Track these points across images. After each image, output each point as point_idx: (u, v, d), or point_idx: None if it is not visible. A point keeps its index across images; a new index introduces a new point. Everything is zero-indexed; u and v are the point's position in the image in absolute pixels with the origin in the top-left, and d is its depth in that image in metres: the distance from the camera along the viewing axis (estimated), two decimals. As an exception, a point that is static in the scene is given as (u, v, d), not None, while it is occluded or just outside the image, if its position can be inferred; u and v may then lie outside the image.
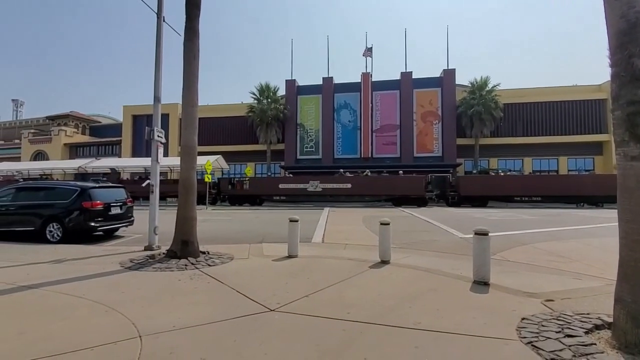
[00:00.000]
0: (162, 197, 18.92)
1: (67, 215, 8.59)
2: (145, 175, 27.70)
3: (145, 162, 30.77)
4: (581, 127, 29.99)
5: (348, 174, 24.95)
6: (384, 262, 5.96)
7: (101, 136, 44.21)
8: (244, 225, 12.36)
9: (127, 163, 31.40)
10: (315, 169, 30.82)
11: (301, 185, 23.74)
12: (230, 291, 4.39)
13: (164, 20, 7.71)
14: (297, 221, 6.68)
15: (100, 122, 50.69)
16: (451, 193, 23.02)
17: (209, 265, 5.75)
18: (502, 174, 25.07)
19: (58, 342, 2.95)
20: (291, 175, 28.70)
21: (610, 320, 3.01)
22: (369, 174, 25.19)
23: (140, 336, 3.05)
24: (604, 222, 11.93)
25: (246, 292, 4.30)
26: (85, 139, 44.16)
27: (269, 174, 32.81)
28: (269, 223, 12.80)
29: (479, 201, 22.07)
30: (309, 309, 3.76)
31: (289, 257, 6.42)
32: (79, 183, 9.72)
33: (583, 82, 31.47)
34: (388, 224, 6.19)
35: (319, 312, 3.66)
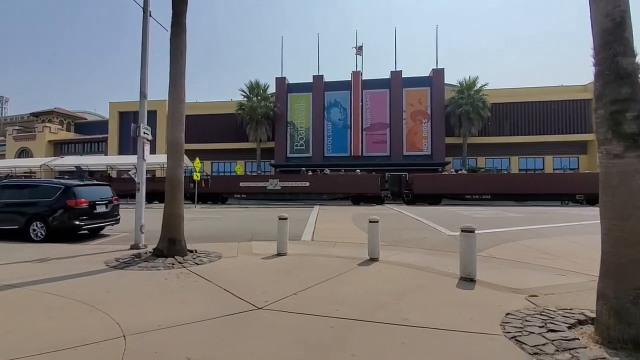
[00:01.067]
0: (151, 197, 18.86)
1: (50, 214, 8.38)
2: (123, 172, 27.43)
3: (121, 159, 30.57)
4: (567, 126, 30.68)
5: (310, 173, 25.65)
6: (373, 260, 5.98)
7: (87, 133, 43.24)
8: (234, 224, 12.26)
9: (96, 161, 30.97)
10: (305, 167, 30.76)
11: (261, 184, 24.24)
12: (218, 290, 4.34)
13: (150, 16, 7.55)
14: (286, 219, 6.65)
15: (85, 119, 49.57)
16: (405, 191, 23.71)
17: (197, 263, 5.68)
18: (484, 172, 25.65)
19: (42, 342, 2.87)
20: (280, 172, 28.67)
21: (593, 315, 3.07)
22: (328, 172, 25.89)
23: (124, 336, 2.98)
24: (588, 219, 12.23)
25: (234, 290, 4.26)
26: (71, 136, 43.13)
27: (259, 172, 32.61)
28: (259, 221, 12.73)
29: (432, 199, 22.71)
30: (298, 306, 3.74)
31: (279, 255, 6.39)
32: (63, 181, 9.47)
33: (573, 82, 32.12)
34: (377, 221, 6.21)
35: (307, 309, 3.64)
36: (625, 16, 2.81)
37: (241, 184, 24.06)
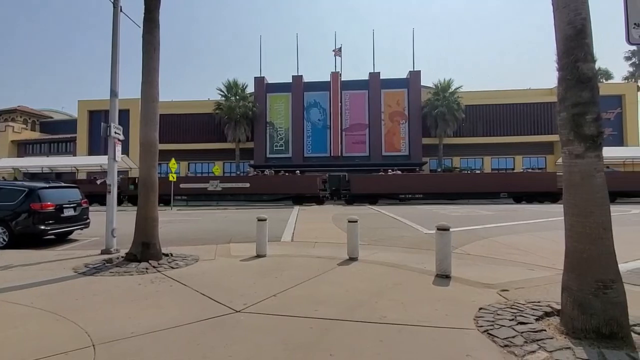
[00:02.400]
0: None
1: (13, 218, 7.91)
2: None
3: (71, 161, 29.55)
4: (534, 128, 32.14)
5: (256, 174, 26.35)
6: (353, 259, 6.03)
7: (54, 133, 41.09)
8: (212, 225, 12.02)
9: (45, 162, 29.76)
10: (285, 167, 30.62)
11: (201, 185, 24.31)
12: (194, 294, 4.24)
13: (121, 11, 7.29)
14: (265, 220, 6.59)
15: (52, 118, 47.14)
16: (343, 191, 24.34)
17: (172, 267, 5.52)
18: (459, 172, 26.58)
19: (3, 354, 2.69)
20: (259, 173, 28.44)
21: (559, 307, 3.22)
22: (268, 173, 26.51)
23: (93, 345, 2.85)
24: (557, 215, 12.87)
25: (211, 294, 4.17)
26: (35, 135, 40.89)
27: (238, 172, 32.15)
28: (239, 222, 12.55)
29: (370, 199, 23.41)
30: (277, 308, 3.71)
31: (258, 256, 6.32)
32: (26, 183, 8.97)
33: (540, 86, 33.69)
34: (356, 221, 6.27)
35: (287, 310, 3.63)
36: (586, 24, 2.98)
37: (182, 186, 23.43)
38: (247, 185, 23.81)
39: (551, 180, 22.68)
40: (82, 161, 31.94)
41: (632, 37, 2.93)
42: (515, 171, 25.83)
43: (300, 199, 23.13)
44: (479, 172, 29.40)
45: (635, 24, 2.89)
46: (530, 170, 26.39)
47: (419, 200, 23.34)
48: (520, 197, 22.94)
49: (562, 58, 3.05)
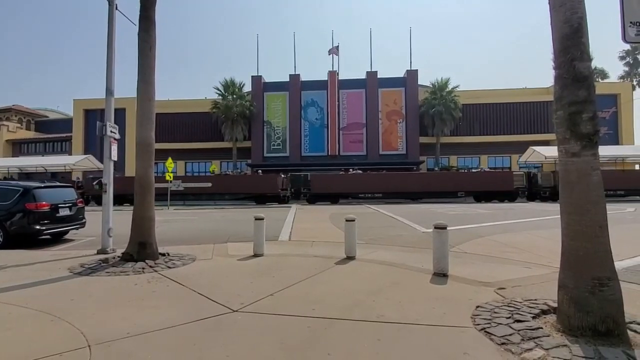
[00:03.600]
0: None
1: (8, 218, 7.84)
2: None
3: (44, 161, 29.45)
4: (531, 126, 32.31)
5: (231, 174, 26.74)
6: (350, 258, 6.03)
7: (49, 132, 40.79)
8: (209, 225, 11.98)
9: (10, 163, 29.97)
10: (282, 166, 30.60)
11: (163, 185, 24.33)
12: (191, 293, 4.22)
13: (116, 9, 7.23)
14: (263, 219, 6.57)
15: (47, 117, 46.76)
16: (304, 191, 24.59)
17: (169, 267, 5.49)
18: (455, 170, 26.74)
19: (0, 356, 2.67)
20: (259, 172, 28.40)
21: (556, 305, 3.23)
22: (231, 173, 27.11)
23: (89, 346, 2.83)
24: (553, 214, 12.94)
25: (208, 293, 4.15)
26: (31, 134, 40.60)
27: (235, 171, 32.07)
28: (236, 222, 12.51)
29: (331, 198, 23.65)
30: (274, 307, 3.70)
31: (255, 256, 6.31)
32: (21, 183, 8.90)
33: (542, 85, 33.81)
34: (353, 220, 6.27)
35: (284, 310, 3.62)
36: (583, 23, 2.99)
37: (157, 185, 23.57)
38: (209, 185, 23.88)
39: (508, 180, 23.07)
40: (47, 161, 32.07)
41: (628, 36, 2.94)
42: (473, 171, 26.02)
43: (262, 199, 23.34)
44: (467, 170, 29.54)
45: (631, 22, 2.90)
46: (487, 170, 26.50)
47: (378, 200, 23.56)
48: (479, 196, 23.24)
49: (558, 57, 3.05)
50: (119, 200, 20.74)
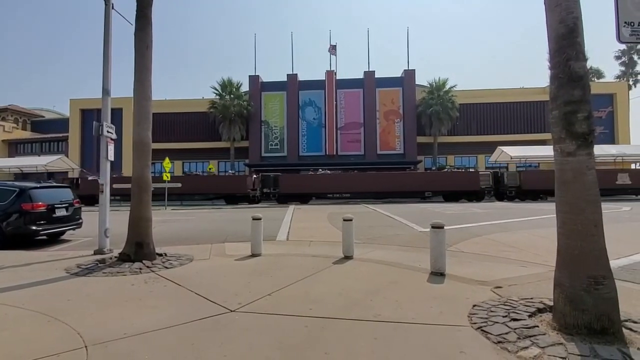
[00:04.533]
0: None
1: (4, 219, 7.79)
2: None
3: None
4: (528, 126, 32.45)
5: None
6: (348, 258, 6.03)
7: (45, 132, 40.57)
8: (207, 225, 11.96)
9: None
10: (280, 166, 30.58)
11: (119, 186, 24.39)
12: (189, 293, 4.21)
13: (113, 8, 7.19)
14: (260, 219, 6.57)
15: (43, 117, 46.52)
16: (273, 191, 24.77)
17: (166, 267, 5.48)
18: (452, 170, 26.88)
19: (-11, 359, 2.65)
20: (256, 172, 28.36)
21: (552, 303, 3.25)
22: (202, 173, 27.39)
23: (86, 346, 2.82)
24: (549, 213, 13.01)
25: (206, 293, 4.15)
26: (27, 134, 40.38)
27: (233, 171, 32.02)
28: (234, 222, 12.50)
29: (300, 198, 23.82)
30: (272, 307, 3.70)
31: (253, 256, 6.30)
32: (17, 183, 8.84)
33: (539, 85, 33.95)
34: (351, 220, 6.27)
35: (282, 309, 3.62)
36: (578, 23, 3.00)
37: (115, 186, 23.28)
38: (179, 185, 23.79)
39: (474, 180, 23.28)
40: (18, 162, 32.12)
41: (623, 36, 2.96)
42: (440, 171, 26.20)
43: (232, 199, 23.46)
44: (452, 169, 29.57)
45: (625, 22, 2.92)
46: (454, 170, 26.69)
47: (346, 200, 23.73)
48: (447, 196, 23.47)
49: (554, 56, 3.07)
50: (90, 201, 20.65)
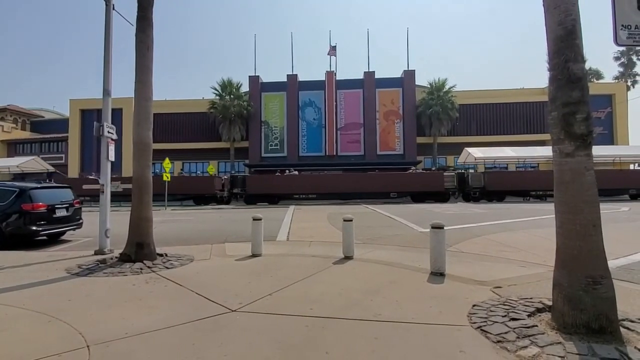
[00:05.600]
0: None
1: (4, 219, 7.80)
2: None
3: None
4: (527, 126, 32.51)
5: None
6: (348, 258, 6.05)
7: (45, 132, 40.56)
8: (207, 225, 11.97)
9: None
10: (280, 166, 30.60)
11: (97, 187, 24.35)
12: (190, 293, 4.23)
13: (113, 9, 7.21)
14: (260, 219, 6.58)
15: (43, 117, 46.50)
16: (240, 192, 24.89)
17: (167, 267, 5.49)
18: (452, 170, 26.92)
19: (-9, 359, 2.67)
20: (256, 173, 28.41)
21: (551, 303, 3.28)
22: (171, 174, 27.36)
23: (88, 346, 2.84)
24: (548, 214, 13.03)
25: (206, 293, 4.17)
26: (26, 135, 40.36)
27: (232, 172, 32.04)
28: (234, 222, 12.51)
29: (268, 199, 23.97)
30: (272, 307, 3.72)
31: (253, 256, 6.32)
32: (17, 183, 8.85)
33: (538, 85, 34.00)
34: (351, 220, 6.29)
35: (282, 309, 3.63)
36: (576, 24, 3.03)
37: (84, 187, 23.11)
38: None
39: (438, 181, 23.42)
40: None
41: (620, 39, 2.99)
42: (404, 172, 26.25)
43: (200, 199, 23.57)
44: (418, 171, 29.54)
45: (622, 25, 2.95)
46: (418, 171, 26.69)
47: (312, 201, 23.88)
48: (413, 196, 23.64)
49: (553, 58, 3.09)
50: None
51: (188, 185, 24.23)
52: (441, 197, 23.08)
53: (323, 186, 24.03)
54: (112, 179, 23.47)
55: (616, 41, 3.02)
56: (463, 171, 25.41)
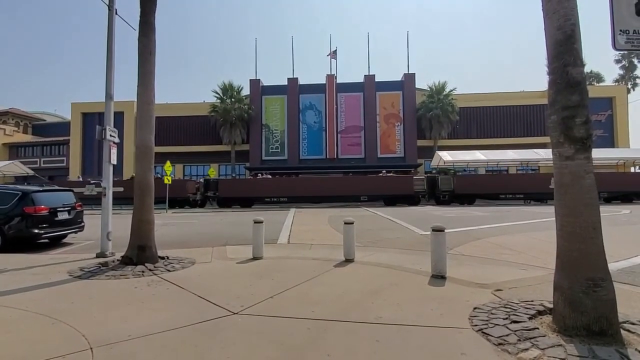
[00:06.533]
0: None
1: (6, 222, 7.83)
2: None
3: None
4: (528, 129, 32.53)
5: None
6: (349, 261, 6.06)
7: (46, 135, 40.69)
8: (208, 228, 11.98)
9: None
10: (280, 169, 30.64)
11: (79, 189, 24.36)
12: (191, 296, 4.25)
13: (116, 14, 7.28)
14: (261, 222, 6.61)
15: (44, 120, 46.64)
16: (213, 195, 24.95)
17: (169, 270, 5.51)
18: (453, 174, 26.90)
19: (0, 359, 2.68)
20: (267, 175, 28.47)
21: (552, 306, 3.28)
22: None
23: (91, 348, 2.85)
24: (550, 216, 13.02)
25: (208, 296, 4.18)
26: (28, 138, 40.46)
27: (234, 175, 32.08)
28: (235, 225, 12.52)
29: (239, 202, 24.05)
30: (274, 309, 3.73)
31: (254, 259, 6.33)
32: (19, 187, 8.90)
33: (539, 88, 34.07)
34: (352, 223, 6.31)
35: (283, 312, 3.65)
36: (575, 29, 3.06)
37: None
38: (122, 189, 23.82)
39: (408, 184, 23.51)
40: None
41: (618, 43, 3.02)
42: (375, 175, 26.27)
43: (172, 202, 23.58)
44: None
45: (620, 30, 2.98)
46: (388, 175, 26.70)
47: (283, 204, 24.01)
48: (387, 199, 23.68)
49: (552, 62, 3.12)
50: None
51: (162, 188, 24.51)
52: (411, 200, 23.18)
53: (293, 189, 24.20)
54: (88, 183, 23.29)
55: (614, 46, 3.05)
56: (434, 175, 25.47)
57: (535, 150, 27.41)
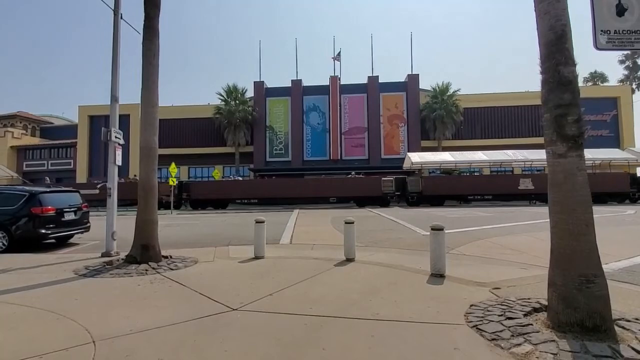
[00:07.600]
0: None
1: (13, 223, 8.00)
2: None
3: None
4: (532, 129, 32.30)
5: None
6: (349, 260, 6.11)
7: (54, 138, 41.26)
8: (211, 229, 12.10)
9: None
10: (284, 171, 30.78)
11: (85, 191, 24.56)
12: (193, 293, 4.33)
13: (121, 18, 7.44)
14: (263, 222, 6.69)
15: (52, 123, 47.31)
16: (185, 196, 25.02)
17: (171, 269, 5.61)
18: (458, 174, 26.78)
19: (5, 353, 2.78)
20: (260, 177, 28.58)
21: (547, 303, 3.32)
22: (123, 180, 27.70)
23: (94, 341, 2.94)
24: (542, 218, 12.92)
25: (209, 293, 4.26)
26: (36, 141, 41.04)
27: (237, 176, 32.26)
28: (238, 226, 12.63)
29: (211, 203, 24.18)
30: (273, 306, 3.80)
31: (256, 258, 6.41)
32: (27, 188, 9.09)
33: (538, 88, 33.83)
34: (352, 223, 6.36)
35: (282, 309, 3.71)
36: (567, 29, 3.11)
37: None
38: (97, 192, 23.71)
39: (376, 186, 23.41)
40: None
41: (600, 43, 3.06)
42: (344, 177, 26.11)
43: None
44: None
45: (602, 30, 3.02)
46: (356, 176, 26.50)
47: (253, 205, 24.18)
48: (358, 201, 23.61)
49: (544, 62, 3.17)
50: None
51: (134, 191, 24.54)
52: (380, 201, 23.15)
53: (262, 191, 24.40)
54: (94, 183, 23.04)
55: (596, 46, 3.09)
56: (403, 176, 25.39)
57: (505, 151, 27.18)
